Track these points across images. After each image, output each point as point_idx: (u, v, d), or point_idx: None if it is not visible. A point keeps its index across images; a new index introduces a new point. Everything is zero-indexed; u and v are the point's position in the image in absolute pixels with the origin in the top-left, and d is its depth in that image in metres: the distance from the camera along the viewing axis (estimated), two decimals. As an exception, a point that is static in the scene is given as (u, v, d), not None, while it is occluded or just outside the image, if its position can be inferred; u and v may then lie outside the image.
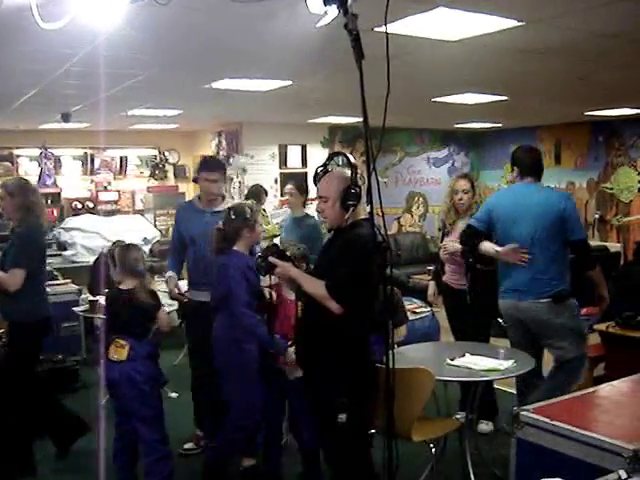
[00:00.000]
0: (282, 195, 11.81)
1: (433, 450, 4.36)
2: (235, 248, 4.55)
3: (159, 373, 4.62)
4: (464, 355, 4.62)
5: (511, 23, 4.63)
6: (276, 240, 8.03)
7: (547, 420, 3.00)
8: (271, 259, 3.76)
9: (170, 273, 5.35)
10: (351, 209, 3.62)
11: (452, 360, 4.54)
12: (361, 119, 2.57)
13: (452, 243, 5.58)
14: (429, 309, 6.76)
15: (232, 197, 11.58)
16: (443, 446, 4.71)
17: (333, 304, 3.52)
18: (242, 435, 4.67)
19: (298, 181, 7.28)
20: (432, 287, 6.17)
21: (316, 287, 3.60)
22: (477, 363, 4.48)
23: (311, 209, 7.15)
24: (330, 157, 3.89)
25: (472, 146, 14.62)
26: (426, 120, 12.32)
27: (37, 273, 5.09)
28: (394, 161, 13.48)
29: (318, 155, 11.99)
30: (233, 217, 4.58)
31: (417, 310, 6.25)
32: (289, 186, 6.99)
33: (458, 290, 5.64)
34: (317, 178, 3.83)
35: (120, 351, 4.45)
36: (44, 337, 5.21)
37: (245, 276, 4.40)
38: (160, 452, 4.50)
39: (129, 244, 4.77)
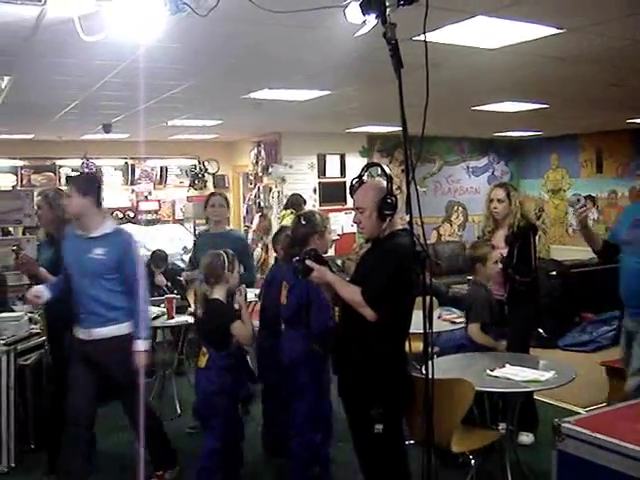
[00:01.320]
0: (320, 205, 11.84)
1: (473, 461, 4.31)
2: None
3: (237, 386, 4.57)
4: (504, 366, 4.57)
5: (551, 31, 4.59)
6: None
7: (589, 432, 2.95)
8: (309, 262, 3.74)
9: None
10: (388, 219, 3.61)
11: (492, 371, 4.49)
12: (400, 128, 2.56)
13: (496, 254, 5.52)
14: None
15: (271, 207, 11.65)
16: (483, 457, 4.66)
17: (368, 311, 3.50)
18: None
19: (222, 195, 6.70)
20: None
21: (352, 293, 3.59)
22: (517, 374, 4.43)
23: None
24: (365, 168, 3.88)
25: (512, 155, 14.50)
26: (465, 129, 12.26)
27: None
28: (433, 170, 13.42)
29: (357, 164, 11.97)
30: (303, 223, 4.68)
31: (456, 320, 6.17)
32: (217, 198, 6.44)
33: (497, 300, 5.60)
34: (353, 189, 3.82)
35: (202, 359, 4.53)
36: None
37: None
38: (211, 462, 4.50)
39: (215, 252, 4.69)
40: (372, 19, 2.63)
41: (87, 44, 3.97)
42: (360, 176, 3.82)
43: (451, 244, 13.22)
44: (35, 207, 5.54)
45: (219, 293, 4.51)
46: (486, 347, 5.03)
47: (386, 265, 3.56)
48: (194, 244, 6.45)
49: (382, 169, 3.79)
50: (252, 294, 8.84)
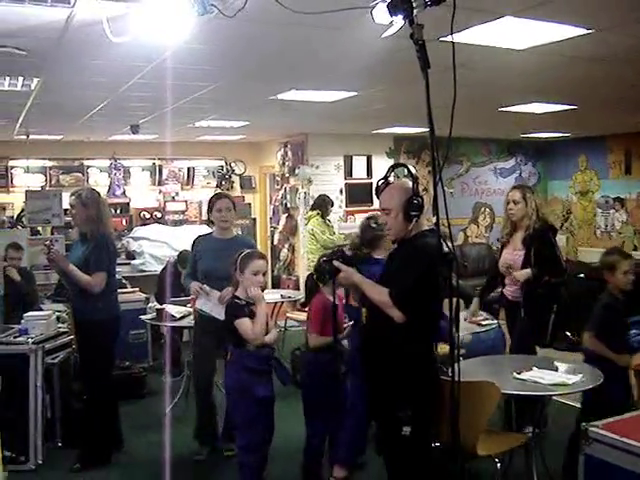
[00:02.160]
0: (347, 206, 11.84)
1: (499, 465, 4.29)
2: (376, 256, 4.72)
3: (253, 385, 4.44)
4: (531, 369, 4.54)
5: (580, 31, 4.55)
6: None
7: (616, 437, 2.93)
8: (336, 263, 3.73)
9: None
10: (414, 220, 3.61)
11: (519, 374, 4.47)
12: (427, 129, 2.55)
13: (522, 273, 5.48)
14: (495, 321, 6.67)
15: (297, 207, 11.67)
16: (509, 461, 4.63)
17: (396, 312, 3.49)
18: None
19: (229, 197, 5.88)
20: (475, 304, 6.05)
21: (380, 294, 3.59)
22: (544, 377, 4.40)
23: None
24: (391, 169, 3.87)
25: (539, 156, 14.39)
26: (492, 130, 12.20)
27: (112, 276, 5.44)
28: (460, 171, 13.36)
29: (383, 165, 11.83)
30: (373, 226, 4.78)
31: (483, 322, 6.14)
32: (224, 201, 5.60)
33: (514, 302, 5.58)
34: (378, 191, 3.82)
35: (226, 356, 4.59)
36: (116, 335, 5.49)
37: None
38: (241, 458, 4.51)
39: (251, 251, 4.69)
40: (399, 20, 2.62)
41: (115, 45, 4.00)
42: (386, 177, 3.81)
43: (477, 246, 13.15)
44: (69, 207, 5.60)
45: (238, 291, 4.51)
46: (605, 358, 4.71)
47: (413, 266, 3.55)
48: (192, 248, 5.68)
49: (408, 170, 3.78)
50: (278, 295, 8.90)
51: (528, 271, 5.42)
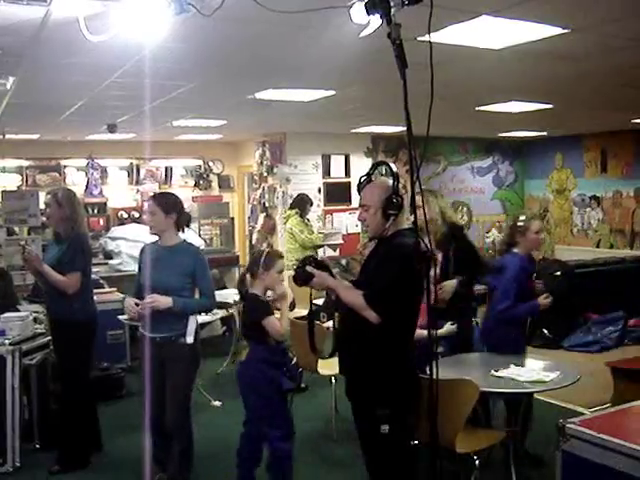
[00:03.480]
0: (325, 205, 11.84)
1: (477, 462, 4.31)
2: (515, 250, 5.21)
3: (279, 377, 4.48)
4: (509, 366, 4.57)
5: (556, 30, 4.58)
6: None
7: (594, 433, 2.94)
8: (309, 268, 3.71)
9: None
10: (392, 218, 3.61)
11: (497, 371, 4.50)
12: (404, 128, 2.56)
13: (447, 289, 4.97)
14: (473, 320, 6.68)
15: (276, 207, 11.66)
16: (488, 458, 4.65)
17: (371, 314, 3.49)
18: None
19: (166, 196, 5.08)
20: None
21: (354, 297, 3.58)
22: (522, 375, 4.43)
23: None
24: (374, 167, 3.88)
25: (516, 155, 14.49)
26: (470, 129, 12.25)
27: (87, 276, 5.40)
28: (438, 170, 13.41)
29: (361, 164, 11.97)
30: (511, 223, 5.41)
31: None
32: (150, 202, 4.92)
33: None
34: (360, 187, 3.83)
35: (243, 352, 4.67)
36: (93, 336, 5.44)
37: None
38: (279, 449, 4.49)
39: (260, 250, 4.70)
40: (377, 19, 2.62)
41: (93, 44, 3.98)
42: (369, 174, 3.82)
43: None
44: (44, 206, 5.57)
45: (257, 288, 4.54)
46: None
47: (390, 266, 3.55)
48: (138, 262, 5.05)
49: (390, 168, 3.79)
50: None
51: (453, 282, 5.00)
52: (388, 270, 3.54)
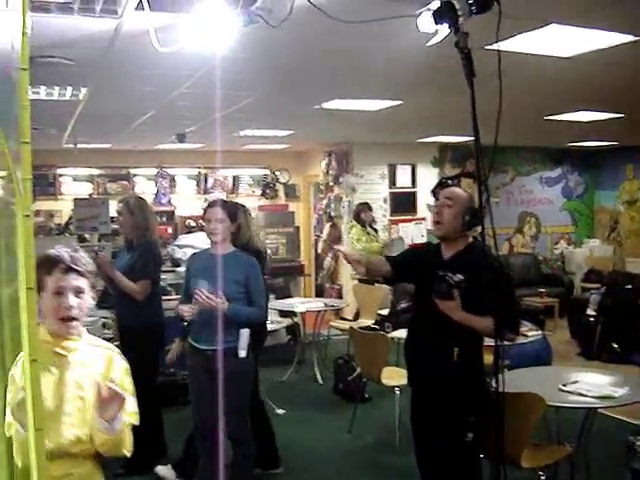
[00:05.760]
0: (391, 215, 11.79)
1: (543, 478, 4.23)
2: None
3: None
4: (577, 381, 4.48)
5: (626, 38, 4.50)
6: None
7: (665, 451, 2.87)
8: (454, 292, 3.46)
9: None
10: (466, 227, 3.60)
11: (564, 386, 4.41)
12: (471, 138, 2.54)
13: None
14: (540, 332, 6.59)
15: (341, 216, 11.67)
16: (554, 474, 4.56)
17: (511, 336, 3.58)
18: None
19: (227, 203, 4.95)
20: None
21: (487, 325, 3.34)
22: (591, 390, 4.34)
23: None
24: (459, 175, 3.89)
25: (586, 165, 14.19)
26: (539, 139, 12.07)
27: (157, 283, 5.54)
28: (505, 180, 13.25)
29: (428, 174, 11.90)
30: None
31: (528, 333, 6.08)
32: (213, 210, 4.71)
33: None
34: (443, 185, 3.79)
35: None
36: (161, 342, 5.56)
37: None
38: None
39: None
40: (444, 28, 2.61)
41: (162, 55, 4.04)
42: (457, 176, 3.81)
43: (523, 255, 13.02)
44: (116, 214, 5.68)
45: None
46: None
47: (508, 289, 3.59)
48: (186, 268, 4.99)
49: (478, 182, 3.75)
50: (322, 303, 8.90)
51: None
52: (509, 295, 3.57)
